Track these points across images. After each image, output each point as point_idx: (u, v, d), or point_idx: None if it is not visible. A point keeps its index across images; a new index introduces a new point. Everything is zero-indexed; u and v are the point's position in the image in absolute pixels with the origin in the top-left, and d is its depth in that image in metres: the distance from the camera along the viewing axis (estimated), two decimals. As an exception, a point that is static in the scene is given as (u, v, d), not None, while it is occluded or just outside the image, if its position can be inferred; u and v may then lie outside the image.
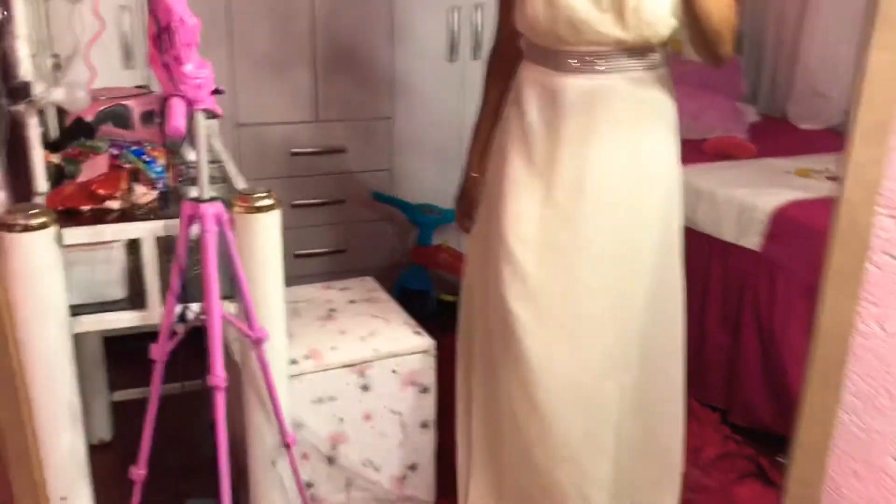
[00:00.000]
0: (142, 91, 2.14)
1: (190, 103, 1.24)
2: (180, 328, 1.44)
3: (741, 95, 3.66)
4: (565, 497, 1.79)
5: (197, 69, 1.24)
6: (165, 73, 1.23)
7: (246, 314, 1.48)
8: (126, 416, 2.40)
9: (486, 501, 1.97)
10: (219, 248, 1.40)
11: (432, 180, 3.14)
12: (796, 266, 2.37)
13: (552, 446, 1.76)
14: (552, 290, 1.72)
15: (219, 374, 1.36)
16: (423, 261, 3.14)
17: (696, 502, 2.21)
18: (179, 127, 1.19)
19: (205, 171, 1.34)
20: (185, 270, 1.39)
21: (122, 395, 2.51)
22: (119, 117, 1.98)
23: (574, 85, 1.66)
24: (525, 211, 1.73)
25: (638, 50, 1.63)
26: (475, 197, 1.95)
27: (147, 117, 2.01)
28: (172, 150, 1.81)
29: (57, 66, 1.95)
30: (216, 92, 1.29)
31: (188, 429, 2.43)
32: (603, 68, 1.64)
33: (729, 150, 3.08)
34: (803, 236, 2.35)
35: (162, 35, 1.21)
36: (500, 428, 1.86)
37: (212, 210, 1.34)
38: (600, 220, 1.70)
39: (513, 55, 1.80)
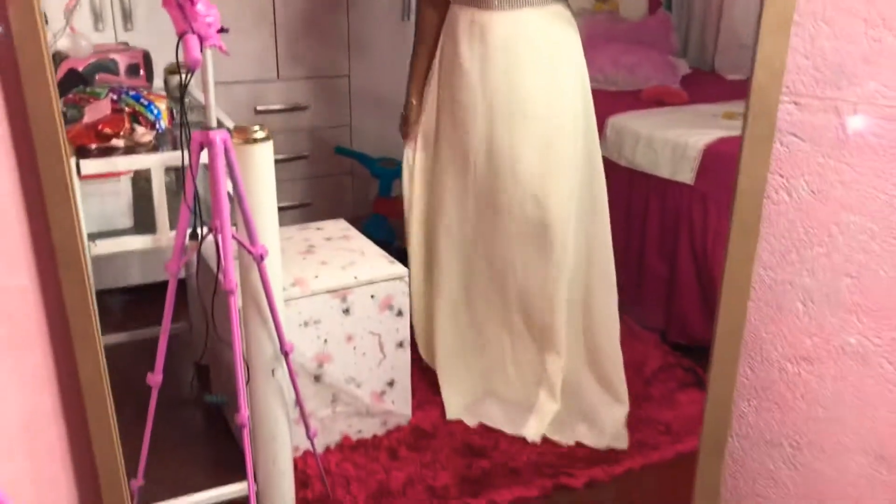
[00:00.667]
0: (124, 47, 2.29)
1: (201, 39, 1.42)
2: (192, 244, 1.62)
3: (673, 50, 3.94)
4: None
5: (207, 9, 1.41)
6: (179, 13, 1.40)
7: (248, 233, 1.66)
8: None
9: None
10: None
11: (390, 134, 3.31)
12: (725, 194, 2.64)
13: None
14: None
15: (231, 279, 1.55)
16: (384, 211, 3.33)
17: (641, 410, 2.48)
18: (198, 58, 1.36)
19: (212, 102, 1.52)
20: (196, 193, 1.56)
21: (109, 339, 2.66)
22: (107, 69, 2.12)
23: (499, 19, 2.10)
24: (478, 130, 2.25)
25: None
26: (415, 120, 2.45)
27: (132, 69, 2.16)
28: (168, 91, 1.98)
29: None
30: (222, 30, 1.47)
31: (176, 368, 2.62)
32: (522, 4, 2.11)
33: (663, 98, 3.34)
34: (730, 168, 2.62)
35: (175, -22, 1.38)
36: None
37: (219, 136, 1.52)
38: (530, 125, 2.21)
39: None
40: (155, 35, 2.65)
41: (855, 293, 1.19)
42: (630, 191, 3.02)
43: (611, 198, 3.07)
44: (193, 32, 1.40)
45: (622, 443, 2.31)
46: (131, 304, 3.03)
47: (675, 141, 2.87)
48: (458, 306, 2.48)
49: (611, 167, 3.06)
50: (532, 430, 2.34)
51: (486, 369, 2.49)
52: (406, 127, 2.50)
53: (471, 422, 2.40)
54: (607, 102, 3.34)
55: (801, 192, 1.17)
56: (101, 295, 2.65)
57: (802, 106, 1.12)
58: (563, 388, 2.42)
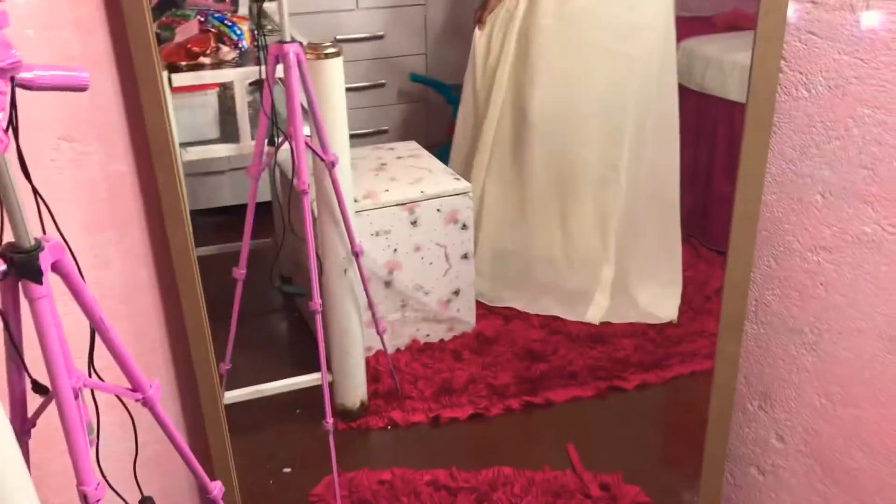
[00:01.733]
0: (212, -26, 2.46)
1: (274, -41, 1.57)
2: (270, 151, 1.79)
3: (752, -25, 3.88)
4: None
5: (279, -69, 1.56)
6: (254, -65, 1.55)
7: (320, 141, 1.83)
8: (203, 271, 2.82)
9: None
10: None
11: (463, 62, 3.43)
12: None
13: None
14: None
15: (304, 179, 1.72)
16: (458, 136, 3.46)
17: (697, 323, 2.57)
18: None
19: (286, 17, 1.68)
20: (273, 103, 1.73)
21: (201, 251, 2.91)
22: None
23: None
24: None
25: None
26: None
27: (219, -4, 2.34)
28: (251, 17, 2.15)
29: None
30: (293, -49, 1.61)
31: (261, 278, 2.85)
32: None
33: (737, 22, 3.32)
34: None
35: None
36: None
37: (293, 49, 1.68)
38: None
39: None
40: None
41: (871, 184, 1.26)
42: (699, 115, 3.05)
43: (680, 122, 3.12)
44: (267, -47, 1.55)
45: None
46: (222, 222, 3.28)
47: (743, 64, 2.86)
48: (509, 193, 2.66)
49: (681, 92, 3.10)
50: (590, 316, 2.55)
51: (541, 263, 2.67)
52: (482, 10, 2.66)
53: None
54: (680, 28, 3.35)
55: (818, 88, 1.25)
56: (195, 214, 2.90)
57: (818, 4, 1.19)
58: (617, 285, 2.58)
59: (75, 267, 0.97)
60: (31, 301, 0.90)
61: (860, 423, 1.43)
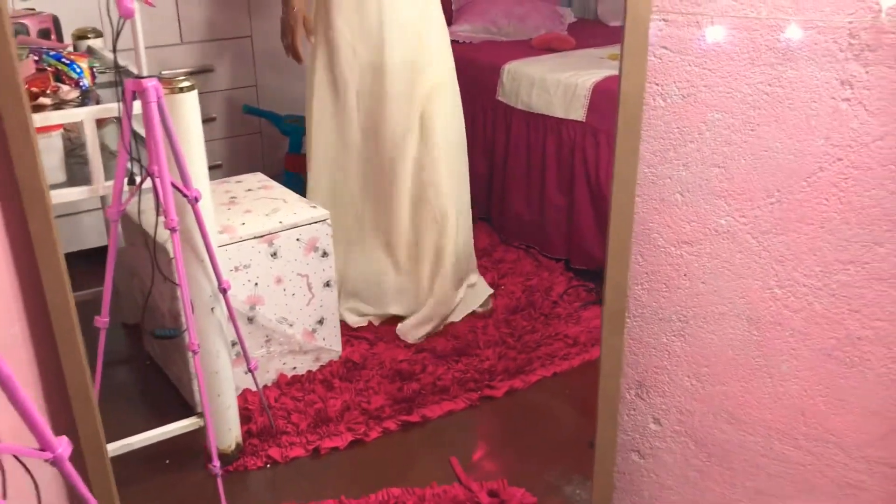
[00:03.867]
0: (33, 12, 2.32)
1: (129, -8, 1.52)
2: (130, 189, 1.72)
3: (559, 0, 4.17)
4: None
5: (132, -37, 1.51)
6: (106, -32, 1.50)
7: (182, 177, 1.77)
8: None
9: None
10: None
11: (296, 91, 3.43)
12: (614, 127, 2.88)
13: None
14: None
15: (173, 217, 1.66)
16: (295, 167, 3.44)
17: (550, 327, 2.71)
18: (131, 8, 1.47)
19: (142, 52, 1.62)
20: (130, 140, 1.67)
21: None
22: (19, 34, 2.17)
23: None
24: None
25: None
26: (294, 27, 2.72)
27: (43, 34, 2.21)
28: (89, 54, 2.05)
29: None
30: (147, -16, 1.57)
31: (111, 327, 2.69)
32: None
33: (553, 44, 3.56)
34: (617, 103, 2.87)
35: (100, -65, 1.48)
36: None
37: (152, 84, 1.63)
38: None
39: None
40: (55, 1, 2.69)
41: (723, 181, 1.41)
42: (528, 132, 3.23)
43: (511, 140, 3.29)
44: (122, -14, 1.50)
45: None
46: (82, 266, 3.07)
47: (566, 82, 3.09)
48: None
49: (509, 111, 3.28)
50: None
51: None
52: (288, 37, 2.76)
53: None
54: (502, 51, 3.55)
55: (673, 97, 1.38)
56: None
57: (670, 22, 1.32)
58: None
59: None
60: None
61: (727, 398, 1.58)
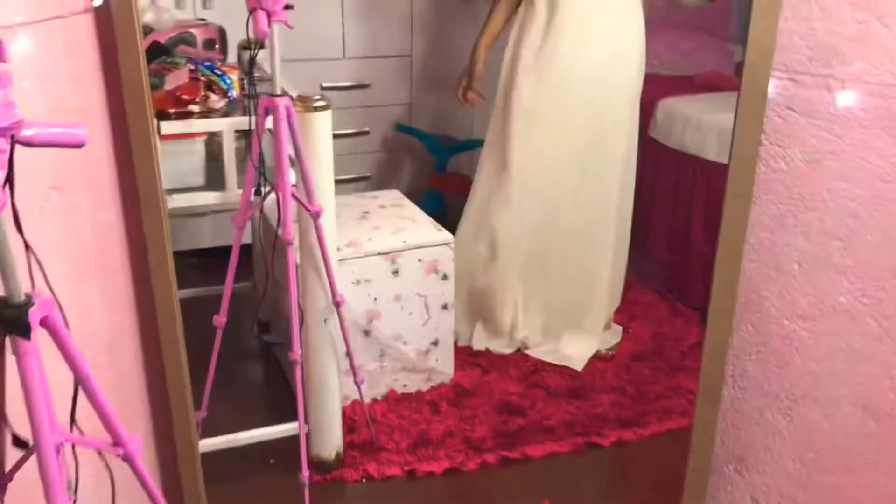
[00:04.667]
0: (202, 22, 2.49)
1: (269, 15, 1.59)
2: (256, 200, 1.81)
3: (731, 37, 3.99)
4: None
5: (274, -12, 1.59)
6: (250, -9, 1.58)
7: (306, 192, 1.84)
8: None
9: None
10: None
11: (448, 112, 3.49)
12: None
13: None
14: None
15: (290, 231, 1.73)
16: (439, 186, 3.50)
17: (674, 379, 2.59)
18: (265, 30, 1.54)
19: (277, 71, 1.70)
20: (262, 153, 1.75)
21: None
22: (186, 42, 2.33)
23: None
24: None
25: None
26: (476, 74, 2.65)
27: (208, 43, 2.37)
28: (240, 65, 2.18)
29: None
30: (287, 7, 1.64)
31: (240, 321, 2.84)
32: None
33: (715, 83, 3.41)
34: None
35: (248, -40, 1.56)
36: None
37: (283, 103, 1.70)
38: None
39: None
40: (230, 14, 2.86)
41: (845, 256, 1.30)
42: (677, 172, 3.11)
43: (659, 180, 3.18)
44: (262, 8, 1.58)
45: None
46: (203, 264, 3.27)
47: (722, 124, 2.94)
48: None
49: (659, 149, 3.17)
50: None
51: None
52: (466, 80, 2.70)
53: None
54: (660, 86, 3.43)
55: (796, 161, 1.29)
56: (176, 255, 2.90)
57: (798, 82, 1.23)
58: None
59: (63, 322, 0.97)
60: (19, 357, 0.90)
61: (834, 490, 1.45)
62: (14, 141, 0.87)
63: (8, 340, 0.91)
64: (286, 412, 2.37)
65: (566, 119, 2.53)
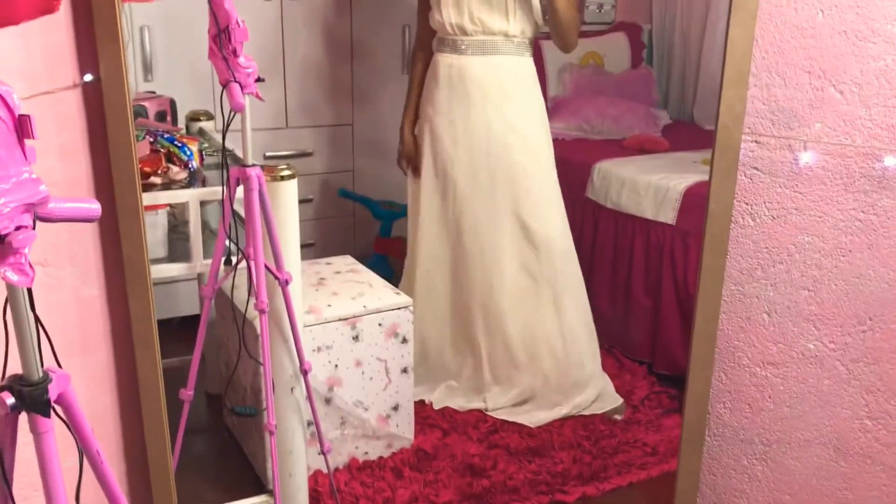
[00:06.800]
0: (152, 95, 2.49)
1: (242, 87, 1.62)
2: (226, 269, 1.80)
3: (654, 102, 4.20)
4: None
5: (247, 61, 1.62)
6: (223, 64, 1.60)
7: (275, 260, 1.84)
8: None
9: None
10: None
11: (390, 178, 3.53)
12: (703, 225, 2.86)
13: None
14: None
15: (264, 299, 1.72)
16: (384, 250, 3.53)
17: (629, 433, 2.65)
18: (243, 103, 1.57)
19: (249, 142, 1.72)
20: (230, 224, 1.75)
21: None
22: (138, 114, 2.33)
23: (471, 62, 2.52)
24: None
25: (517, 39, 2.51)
26: (411, 151, 2.77)
27: (160, 115, 2.37)
28: (200, 136, 2.18)
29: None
30: (258, 80, 1.67)
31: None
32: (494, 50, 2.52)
33: (646, 146, 3.58)
34: (709, 209, 2.85)
35: (221, 34, 1.59)
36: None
37: (255, 172, 1.72)
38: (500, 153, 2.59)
39: (426, 49, 2.67)
40: (173, 85, 2.88)
41: (812, 304, 1.38)
42: (616, 231, 3.23)
43: (599, 238, 3.29)
44: (236, 81, 1.60)
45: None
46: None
47: (657, 184, 3.09)
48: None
49: (598, 210, 3.29)
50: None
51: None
52: (404, 159, 2.83)
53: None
54: (594, 150, 3.58)
55: (763, 217, 1.37)
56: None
57: (762, 144, 1.33)
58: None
59: (76, 398, 0.95)
60: (37, 435, 0.88)
61: (810, 530, 1.51)
62: (36, 217, 0.87)
63: (28, 419, 0.89)
64: (243, 485, 2.33)
65: (476, 183, 2.64)
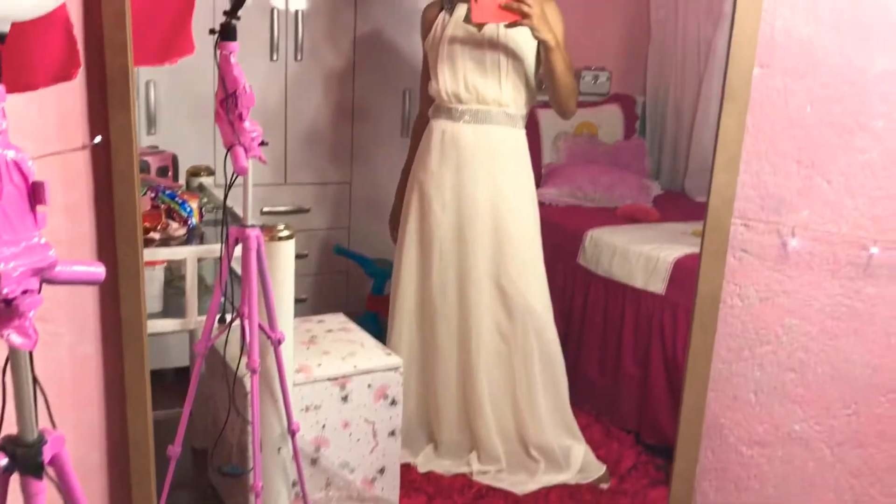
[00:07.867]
0: (155, 150, 2.54)
1: (246, 151, 1.66)
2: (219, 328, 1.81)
3: (646, 173, 4.27)
4: None
5: (252, 126, 1.66)
6: (229, 128, 1.64)
7: (269, 319, 1.86)
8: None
9: None
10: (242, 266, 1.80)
11: (384, 237, 3.57)
12: (693, 304, 2.89)
13: None
14: None
15: (256, 358, 1.73)
16: (376, 308, 3.54)
17: (615, 501, 2.64)
18: (245, 166, 1.60)
19: (250, 204, 1.75)
20: (226, 282, 1.77)
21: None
22: (140, 170, 2.36)
23: (465, 129, 2.56)
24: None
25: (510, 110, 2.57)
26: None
27: (162, 170, 2.40)
28: (199, 192, 2.21)
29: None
30: (262, 144, 1.71)
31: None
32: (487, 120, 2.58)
33: (637, 215, 3.63)
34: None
35: (228, 99, 1.63)
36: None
37: (254, 233, 1.74)
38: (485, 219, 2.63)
39: (427, 117, 2.71)
40: (175, 138, 2.92)
41: (798, 386, 1.40)
42: (607, 299, 3.25)
43: (589, 305, 3.31)
44: (240, 144, 1.64)
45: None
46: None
47: (647, 254, 3.13)
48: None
49: (589, 277, 3.32)
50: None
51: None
52: (396, 224, 2.92)
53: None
54: (586, 217, 3.63)
55: (751, 299, 1.40)
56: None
57: (751, 227, 1.36)
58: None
59: (69, 459, 0.96)
60: (28, 497, 0.89)
61: None
62: (42, 280, 0.89)
63: (20, 481, 0.89)
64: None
65: (461, 246, 2.68)
